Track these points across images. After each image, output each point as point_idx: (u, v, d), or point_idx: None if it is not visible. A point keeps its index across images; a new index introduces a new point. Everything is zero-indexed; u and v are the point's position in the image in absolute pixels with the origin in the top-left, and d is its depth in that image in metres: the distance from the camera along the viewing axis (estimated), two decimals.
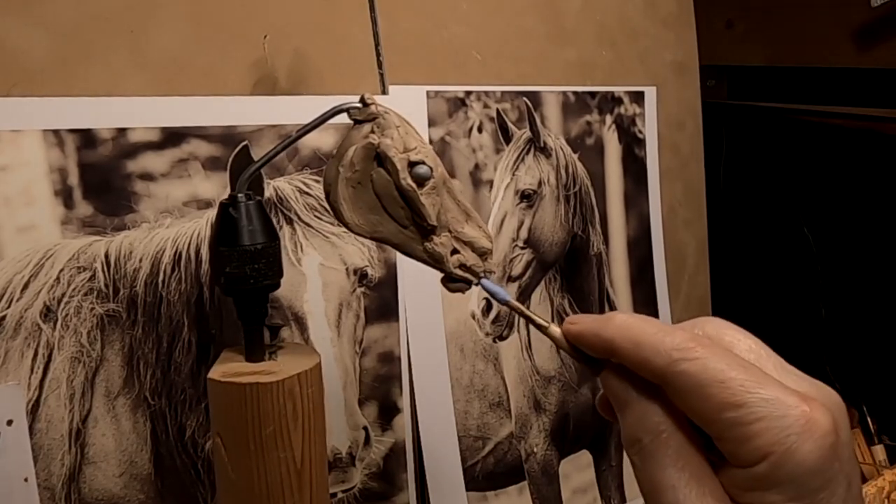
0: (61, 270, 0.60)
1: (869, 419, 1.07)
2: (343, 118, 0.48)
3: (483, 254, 0.45)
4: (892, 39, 1.00)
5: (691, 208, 1.09)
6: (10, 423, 0.57)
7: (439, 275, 0.47)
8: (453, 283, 0.45)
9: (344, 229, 0.49)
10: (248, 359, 0.56)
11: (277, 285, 0.55)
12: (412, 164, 0.43)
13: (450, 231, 0.44)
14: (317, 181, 0.70)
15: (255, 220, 0.52)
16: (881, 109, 1.05)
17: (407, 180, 0.43)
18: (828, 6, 1.05)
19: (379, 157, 0.43)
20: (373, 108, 0.44)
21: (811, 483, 0.33)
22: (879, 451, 1.05)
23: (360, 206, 0.44)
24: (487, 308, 0.84)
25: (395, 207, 0.44)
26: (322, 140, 0.71)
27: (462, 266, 0.44)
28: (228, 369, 0.54)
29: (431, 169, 0.43)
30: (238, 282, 0.53)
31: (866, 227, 1.15)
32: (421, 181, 0.43)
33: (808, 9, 1.07)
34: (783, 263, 1.21)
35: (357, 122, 0.44)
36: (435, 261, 0.44)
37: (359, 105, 0.44)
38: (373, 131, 0.44)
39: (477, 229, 0.45)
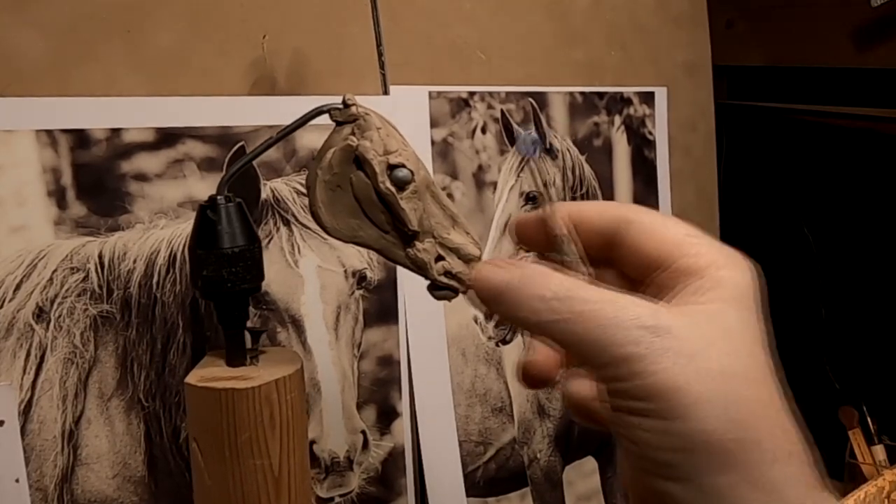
0: (54, 271, 0.56)
1: (869, 419, 1.02)
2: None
3: (470, 261, 0.40)
4: (892, 39, 0.96)
5: (703, 211, 1.04)
6: (1, 423, 0.54)
7: None
8: (438, 290, 0.40)
9: None
10: (228, 363, 0.52)
11: (257, 289, 0.52)
12: (392, 168, 0.38)
13: (434, 237, 0.40)
14: None
15: (234, 222, 0.49)
16: (881, 109, 1.01)
17: (385, 184, 0.38)
18: (828, 6, 1.01)
19: (358, 160, 0.39)
20: (353, 109, 0.39)
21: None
22: (879, 451, 1.00)
23: (340, 209, 0.39)
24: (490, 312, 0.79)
25: (375, 212, 0.39)
26: (320, 141, 0.66)
27: (447, 273, 0.40)
28: (207, 374, 0.51)
29: (412, 172, 0.38)
30: (215, 285, 0.49)
31: (866, 227, 1.11)
32: (401, 185, 0.38)
33: (808, 9, 1.03)
34: (783, 263, 1.16)
35: (338, 123, 0.40)
36: (418, 267, 0.40)
37: (340, 106, 0.40)
38: (353, 133, 0.39)
39: (464, 235, 0.40)
